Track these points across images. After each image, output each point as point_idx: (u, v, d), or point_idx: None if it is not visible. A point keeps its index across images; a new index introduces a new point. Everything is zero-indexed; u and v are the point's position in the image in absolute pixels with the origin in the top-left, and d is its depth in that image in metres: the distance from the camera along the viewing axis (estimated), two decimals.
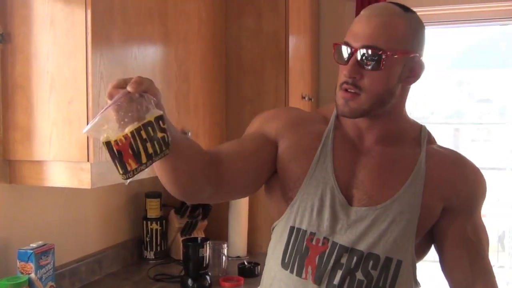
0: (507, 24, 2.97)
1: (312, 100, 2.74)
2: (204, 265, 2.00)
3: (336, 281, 1.12)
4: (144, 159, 0.94)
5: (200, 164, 1.09)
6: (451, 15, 2.89)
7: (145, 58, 1.76)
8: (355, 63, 1.11)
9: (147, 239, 2.33)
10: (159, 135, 0.94)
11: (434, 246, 1.26)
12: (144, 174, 1.79)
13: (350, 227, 1.15)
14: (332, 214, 1.16)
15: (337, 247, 1.14)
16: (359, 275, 1.13)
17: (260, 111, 2.35)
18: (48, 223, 1.85)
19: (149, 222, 2.33)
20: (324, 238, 1.15)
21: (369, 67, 1.10)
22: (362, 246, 1.13)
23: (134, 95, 0.91)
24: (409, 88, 1.20)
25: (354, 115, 1.15)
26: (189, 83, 2.05)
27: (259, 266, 2.14)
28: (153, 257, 2.33)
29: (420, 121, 1.29)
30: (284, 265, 1.19)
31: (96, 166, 1.55)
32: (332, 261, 1.14)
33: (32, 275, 1.60)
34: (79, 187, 1.57)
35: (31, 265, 1.60)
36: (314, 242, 1.15)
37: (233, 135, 2.43)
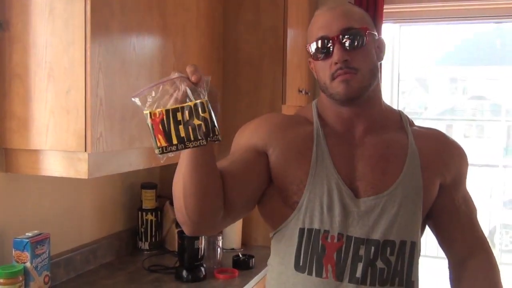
0: (502, 22, 2.99)
1: (309, 94, 2.75)
2: (199, 257, 2.01)
3: (358, 274, 1.13)
4: (174, 140, 0.94)
5: (220, 183, 1.11)
6: (446, 12, 2.89)
7: (144, 50, 1.76)
8: (341, 49, 1.14)
9: (142, 230, 2.34)
10: (196, 122, 0.93)
11: (429, 223, 1.29)
12: (140, 165, 1.81)
13: (361, 219, 1.16)
14: (343, 208, 1.16)
15: (352, 241, 1.15)
16: (379, 264, 1.14)
17: (257, 104, 2.41)
18: (44, 213, 1.85)
19: (144, 213, 2.34)
20: (338, 233, 1.15)
21: (355, 46, 1.15)
22: (377, 235, 1.15)
23: (188, 80, 0.95)
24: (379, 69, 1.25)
25: (358, 94, 1.16)
26: None
27: (253, 259, 2.16)
28: (148, 248, 2.34)
29: (413, 116, 1.32)
30: (299, 268, 1.17)
31: (93, 156, 1.55)
32: (350, 255, 1.14)
33: (28, 264, 1.60)
34: (75, 177, 1.57)
35: (27, 254, 1.60)
36: (329, 240, 1.15)
37: (230, 127, 2.42)
